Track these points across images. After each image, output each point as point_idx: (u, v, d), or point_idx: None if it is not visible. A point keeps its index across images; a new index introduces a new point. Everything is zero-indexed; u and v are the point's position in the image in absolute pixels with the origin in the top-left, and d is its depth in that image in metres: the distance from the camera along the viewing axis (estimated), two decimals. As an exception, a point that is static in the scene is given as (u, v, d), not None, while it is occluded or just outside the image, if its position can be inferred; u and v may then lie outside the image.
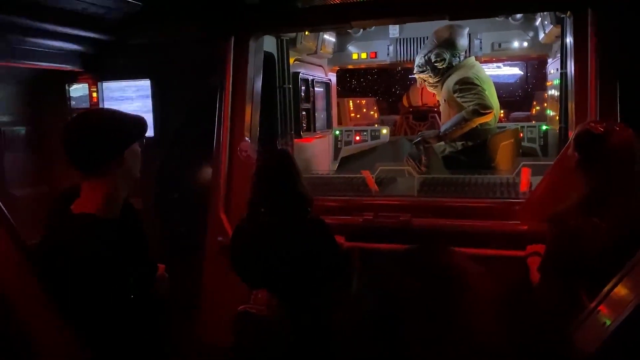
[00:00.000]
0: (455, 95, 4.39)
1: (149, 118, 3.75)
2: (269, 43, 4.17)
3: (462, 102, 4.34)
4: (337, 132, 6.10)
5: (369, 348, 1.20)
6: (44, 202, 3.58)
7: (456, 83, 4.39)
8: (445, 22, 4.46)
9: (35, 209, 1.61)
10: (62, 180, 3.79)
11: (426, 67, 4.64)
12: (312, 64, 5.39)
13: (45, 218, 1.76)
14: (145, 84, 3.88)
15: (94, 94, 4.04)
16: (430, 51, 4.60)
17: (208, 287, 3.14)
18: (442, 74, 4.60)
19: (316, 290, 2.36)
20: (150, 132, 3.66)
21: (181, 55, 3.62)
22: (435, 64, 4.57)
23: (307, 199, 2.43)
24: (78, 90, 4.11)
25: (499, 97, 4.67)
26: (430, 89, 4.89)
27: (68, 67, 3.87)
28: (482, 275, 1.24)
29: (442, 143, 4.56)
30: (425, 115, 8.81)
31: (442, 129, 4.46)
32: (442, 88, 4.64)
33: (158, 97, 3.83)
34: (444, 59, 4.54)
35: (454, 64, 4.56)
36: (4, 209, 1.60)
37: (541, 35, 4.84)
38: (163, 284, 2.09)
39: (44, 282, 1.48)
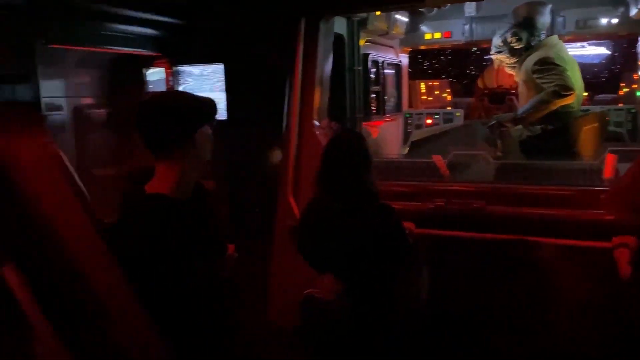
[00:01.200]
0: (535, 76, 4.14)
1: (222, 101, 3.87)
2: (339, 25, 4.11)
3: (542, 83, 4.09)
4: (408, 115, 5.96)
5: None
6: (121, 182, 3.77)
7: (535, 63, 4.14)
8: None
9: (113, 189, 1.67)
10: (140, 161, 3.96)
11: (504, 48, 4.41)
12: (382, 45, 5.27)
13: (121, 198, 1.83)
14: (219, 67, 3.94)
15: (169, 78, 4.16)
16: (507, 31, 4.36)
17: (276, 270, 3.17)
18: (520, 55, 4.36)
19: (383, 277, 2.32)
20: (223, 115, 3.81)
21: (253, 39, 3.64)
22: (513, 45, 4.34)
23: (375, 184, 2.37)
24: (155, 74, 4.24)
25: (582, 78, 4.38)
26: (508, 70, 4.65)
27: (145, 52, 4.01)
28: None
29: (520, 127, 4.33)
30: (501, 97, 8.45)
31: (520, 111, 4.23)
32: (520, 69, 4.39)
33: (231, 80, 3.88)
34: (522, 39, 4.29)
35: (533, 43, 4.30)
36: (83, 188, 1.66)
37: (633, 11, 4.47)
38: (231, 262, 2.12)
39: (118, 260, 1.52)
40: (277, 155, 3.45)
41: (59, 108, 3.32)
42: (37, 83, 1.57)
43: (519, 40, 4.30)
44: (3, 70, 1.43)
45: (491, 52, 4.60)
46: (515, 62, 4.43)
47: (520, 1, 4.36)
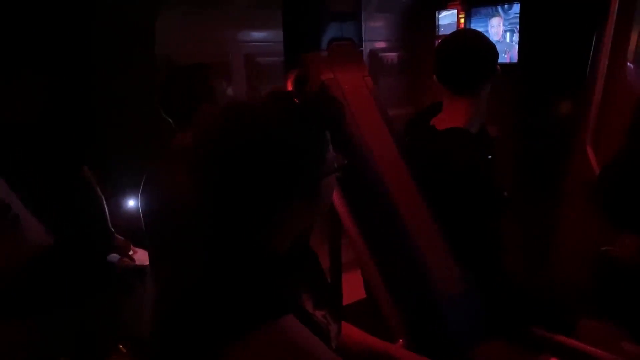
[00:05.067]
0: None
1: (513, 43, 3.67)
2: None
3: None
4: None
5: None
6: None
7: None
8: None
9: (393, 124, 1.76)
10: (428, 102, 4.06)
11: None
12: None
13: (405, 132, 1.93)
14: (514, 6, 3.72)
15: (462, 20, 4.09)
16: None
17: (564, 225, 2.96)
18: None
19: None
20: (513, 58, 3.62)
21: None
22: None
23: None
24: (446, 18, 4.23)
25: None
26: None
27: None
28: None
29: None
30: None
31: None
32: None
33: (526, 21, 3.63)
34: None
35: None
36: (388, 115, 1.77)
37: None
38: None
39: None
40: (574, 102, 3.14)
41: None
42: (360, 22, 1.71)
43: None
44: (336, 9, 1.60)
45: None
46: None
47: None
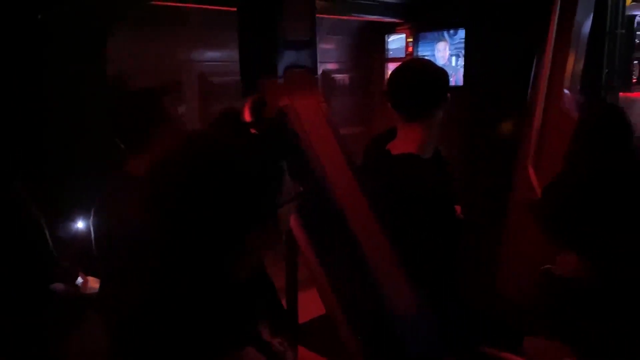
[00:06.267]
0: None
1: (459, 67, 3.82)
2: (602, -18, 3.67)
3: None
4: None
5: None
6: (360, 141, 4.00)
7: None
8: None
9: (352, 147, 1.80)
10: (377, 122, 4.19)
11: None
12: (653, 4, 4.55)
13: (363, 157, 1.97)
14: (459, 32, 3.88)
15: (410, 44, 4.23)
16: None
17: (508, 242, 3.08)
18: None
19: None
20: (459, 81, 3.77)
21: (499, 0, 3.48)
22: None
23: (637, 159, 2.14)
24: (395, 42, 4.36)
25: None
26: None
27: (388, 19, 4.14)
28: None
29: None
30: None
31: None
32: None
33: (471, 46, 3.79)
34: None
35: None
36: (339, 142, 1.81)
37: None
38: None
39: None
40: (516, 124, 3.30)
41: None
42: (315, 50, 1.75)
43: None
44: (292, 36, 1.63)
45: None
46: None
47: None
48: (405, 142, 1.85)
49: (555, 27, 3.06)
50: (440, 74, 1.87)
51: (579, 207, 2.18)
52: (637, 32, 4.22)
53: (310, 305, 2.01)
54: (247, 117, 1.54)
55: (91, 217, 1.74)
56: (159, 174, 0.96)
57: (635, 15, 4.10)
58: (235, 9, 1.84)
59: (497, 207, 3.20)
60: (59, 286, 2.13)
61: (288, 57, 1.66)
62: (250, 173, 0.96)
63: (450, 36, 3.98)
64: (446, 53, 3.99)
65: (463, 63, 3.83)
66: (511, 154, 3.21)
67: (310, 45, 1.71)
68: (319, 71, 3.93)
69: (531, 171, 3.04)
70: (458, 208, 2.12)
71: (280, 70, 1.65)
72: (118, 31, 2.58)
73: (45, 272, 2.13)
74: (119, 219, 1.58)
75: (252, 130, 0.99)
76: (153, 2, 2.73)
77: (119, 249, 1.59)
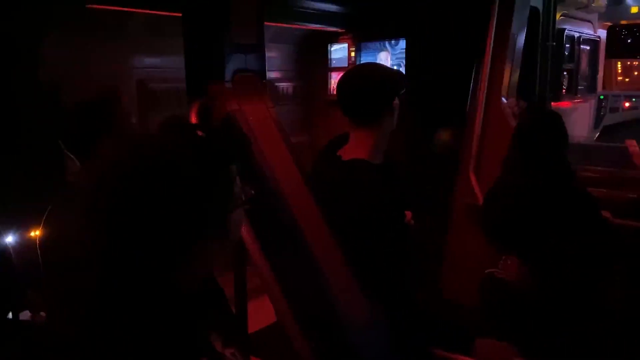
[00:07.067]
0: None
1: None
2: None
3: None
4: (602, 97, 5.42)
5: None
6: (305, 149, 3.99)
7: None
8: None
9: (298, 154, 1.79)
10: (320, 131, 4.20)
11: None
12: (580, 19, 4.83)
13: (313, 163, 1.96)
14: (400, 42, 3.96)
15: (352, 54, 4.28)
16: None
17: (452, 246, 3.15)
18: None
19: (575, 263, 2.17)
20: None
21: (441, 12, 3.57)
22: None
23: (570, 166, 2.23)
24: (338, 52, 4.40)
25: None
26: None
27: (331, 28, 4.17)
28: None
29: None
30: None
31: None
32: None
33: (412, 56, 3.87)
34: None
35: None
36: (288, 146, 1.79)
37: None
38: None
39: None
40: (457, 132, 3.38)
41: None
42: (264, 54, 1.72)
43: None
44: (240, 40, 1.60)
45: None
46: None
47: None
48: (356, 147, 1.85)
49: (492, 39, 3.17)
50: (388, 78, 1.86)
51: (518, 215, 2.25)
52: (566, 45, 4.47)
53: (259, 314, 1.97)
54: (193, 120, 1.50)
55: (40, 230, 1.63)
56: (101, 184, 0.91)
57: (565, 29, 4.34)
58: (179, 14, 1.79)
59: (441, 213, 3.26)
60: (25, 314, 1.99)
61: (236, 61, 1.63)
62: (198, 179, 0.91)
63: (392, 46, 4.06)
64: (388, 63, 4.05)
65: (405, 73, 3.90)
66: (454, 161, 3.29)
67: (258, 49, 1.68)
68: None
69: (472, 177, 3.12)
70: (409, 214, 2.14)
71: (228, 74, 1.61)
72: (54, 36, 2.47)
73: (14, 302, 1.98)
74: (64, 229, 1.49)
75: (200, 133, 0.95)
76: (88, 6, 2.62)
77: (62, 264, 1.50)
